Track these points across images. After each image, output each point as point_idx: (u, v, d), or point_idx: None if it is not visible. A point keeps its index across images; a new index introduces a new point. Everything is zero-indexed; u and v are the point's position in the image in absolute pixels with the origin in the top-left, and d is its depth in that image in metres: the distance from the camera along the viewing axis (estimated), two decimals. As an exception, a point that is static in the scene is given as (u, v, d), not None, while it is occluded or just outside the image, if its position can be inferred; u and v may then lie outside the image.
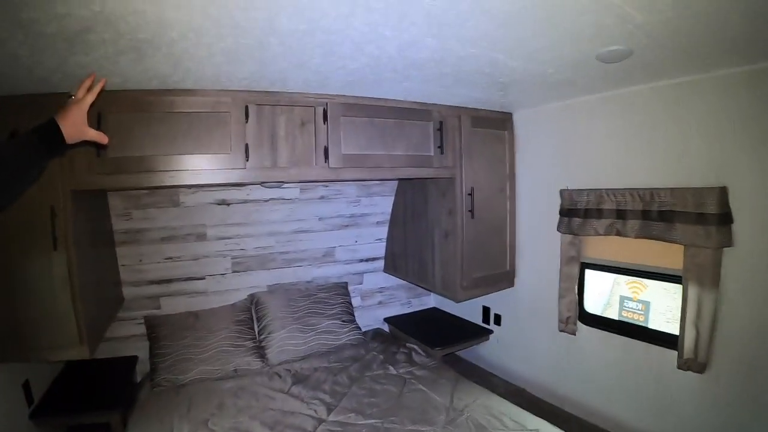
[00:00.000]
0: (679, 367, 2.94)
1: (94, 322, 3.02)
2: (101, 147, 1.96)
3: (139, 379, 3.93)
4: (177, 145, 2.86)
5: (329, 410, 3.21)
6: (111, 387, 3.49)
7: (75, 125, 1.62)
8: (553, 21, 1.93)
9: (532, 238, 4.07)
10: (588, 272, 3.65)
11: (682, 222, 2.83)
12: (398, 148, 3.46)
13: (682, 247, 2.88)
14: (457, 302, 4.03)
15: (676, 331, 2.98)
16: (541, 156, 3.92)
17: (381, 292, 5.15)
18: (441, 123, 3.60)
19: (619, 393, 3.39)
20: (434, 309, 5.38)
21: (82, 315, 2.81)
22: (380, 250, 5.06)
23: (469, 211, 3.78)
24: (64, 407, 3.22)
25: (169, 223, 4.03)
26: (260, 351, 4.01)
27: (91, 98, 1.70)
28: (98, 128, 2.50)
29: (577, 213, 3.46)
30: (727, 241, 2.68)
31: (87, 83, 1.72)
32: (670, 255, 3.00)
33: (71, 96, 1.68)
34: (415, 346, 4.23)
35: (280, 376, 3.70)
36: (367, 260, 5.02)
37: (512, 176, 4.13)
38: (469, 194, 3.77)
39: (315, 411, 3.20)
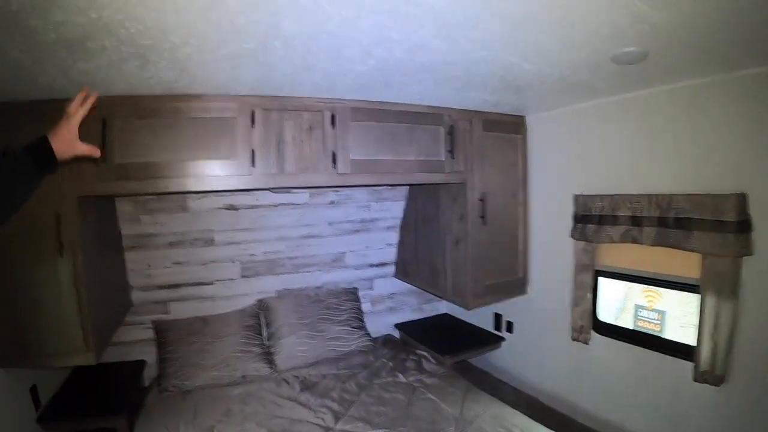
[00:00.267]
0: (695, 379, 2.87)
1: (100, 328, 3.02)
2: (96, 159, 1.90)
3: (146, 383, 3.92)
4: (183, 151, 2.84)
5: (337, 419, 3.17)
6: (118, 391, 3.47)
7: (66, 142, 1.64)
8: (567, 22, 1.88)
9: (545, 245, 4.00)
10: (602, 280, 3.58)
11: (700, 229, 2.75)
12: (408, 153, 3.41)
13: (700, 255, 2.80)
14: (468, 310, 3.98)
15: (692, 342, 2.91)
16: (554, 160, 3.85)
17: (391, 297, 5.10)
18: (452, 127, 3.55)
19: (633, 404, 3.32)
20: (446, 315, 5.32)
21: (89, 321, 2.82)
22: (391, 255, 5.01)
23: (481, 217, 3.73)
24: (71, 412, 3.21)
25: (178, 228, 4.02)
26: (268, 357, 3.98)
27: (82, 113, 1.70)
28: (103, 134, 2.53)
29: (592, 219, 3.39)
30: (746, 249, 2.61)
31: (80, 98, 1.71)
32: (687, 263, 2.93)
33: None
34: (426, 354, 4.18)
35: (288, 383, 3.67)
36: (377, 265, 4.97)
37: (525, 181, 4.07)
38: (480, 200, 3.71)
39: (322, 419, 3.16)
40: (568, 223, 3.62)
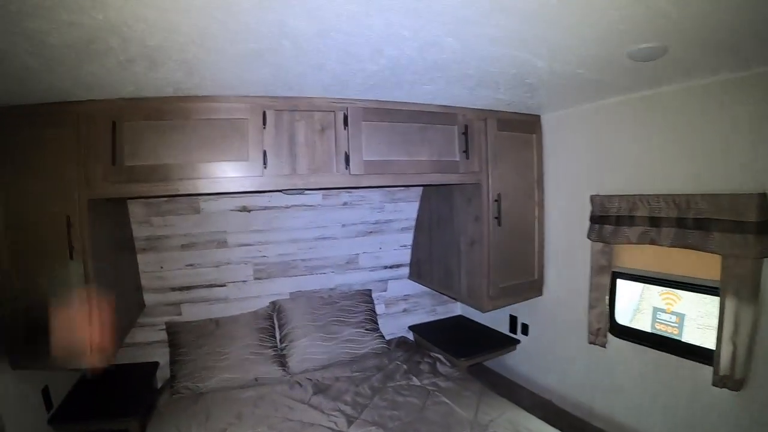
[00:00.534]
0: (714, 384, 2.80)
1: (112, 330, 3.00)
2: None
3: (159, 385, 3.92)
4: (193, 152, 2.83)
5: (350, 422, 3.14)
6: (130, 393, 3.48)
7: None
8: (582, 18, 1.84)
9: (562, 246, 3.95)
10: (619, 282, 3.52)
11: (720, 230, 2.69)
12: (421, 154, 3.37)
13: (720, 256, 2.73)
14: (484, 312, 3.93)
15: (711, 346, 2.85)
16: (570, 160, 3.80)
17: (405, 299, 5.07)
18: (466, 127, 3.51)
19: (650, 409, 3.26)
20: (460, 317, 5.28)
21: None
22: (405, 256, 4.99)
23: (496, 218, 3.68)
24: (83, 413, 3.23)
25: (190, 230, 4.03)
26: (281, 359, 3.97)
27: None
28: (113, 137, 2.55)
29: (609, 220, 3.33)
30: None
31: None
32: (706, 265, 2.86)
33: None
34: (440, 356, 4.16)
35: (301, 386, 3.65)
36: (391, 267, 4.95)
37: (540, 181, 4.02)
38: (495, 200, 3.67)
39: (335, 423, 3.14)
40: (585, 224, 3.55)
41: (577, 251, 3.69)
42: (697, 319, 3.14)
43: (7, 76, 2.18)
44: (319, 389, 3.60)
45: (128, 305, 3.61)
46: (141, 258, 3.93)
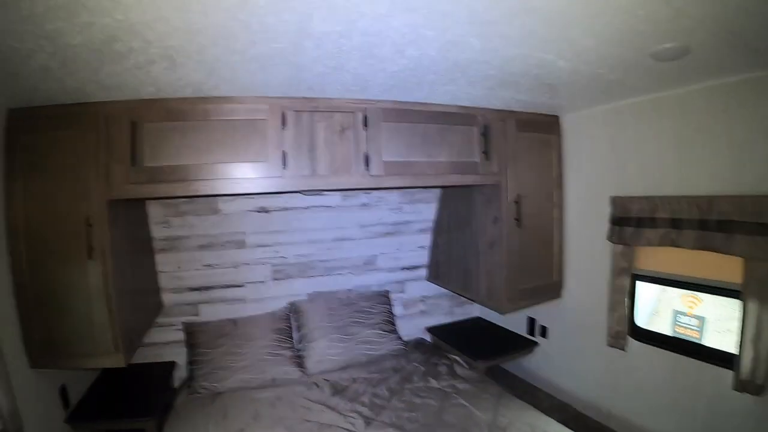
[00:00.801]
0: (734, 388, 2.77)
1: (130, 330, 3.04)
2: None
3: (176, 384, 3.93)
4: (213, 153, 2.84)
5: (367, 424, 3.14)
6: (148, 393, 3.49)
7: None
8: (605, 18, 1.83)
9: (581, 248, 3.92)
10: (640, 284, 3.48)
11: (742, 232, 2.66)
12: (441, 155, 3.36)
13: (742, 259, 2.70)
14: (503, 314, 3.92)
15: (733, 350, 2.82)
16: (590, 161, 3.77)
17: (423, 301, 5.05)
18: (486, 127, 3.49)
19: (670, 413, 3.23)
20: (478, 319, 5.25)
21: (118, 324, 2.83)
22: (423, 258, 4.96)
23: (516, 219, 3.66)
24: (101, 412, 3.23)
25: (208, 231, 4.05)
26: (299, 360, 3.97)
27: None
28: (132, 137, 2.57)
29: (629, 222, 3.31)
30: (791, 253, 2.51)
31: None
32: (728, 267, 2.82)
33: None
34: (458, 358, 4.14)
35: (318, 387, 3.65)
36: (409, 268, 4.93)
37: (560, 183, 3.99)
38: (515, 202, 3.65)
39: (353, 424, 3.14)
40: (605, 225, 3.53)
41: (597, 253, 3.66)
42: (719, 322, 3.11)
43: (27, 77, 2.20)
44: (337, 390, 3.60)
45: (146, 305, 3.63)
46: (159, 258, 3.94)
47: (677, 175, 3.09)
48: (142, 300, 3.52)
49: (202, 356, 3.76)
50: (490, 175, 3.57)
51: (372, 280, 4.75)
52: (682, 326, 3.30)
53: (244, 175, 2.89)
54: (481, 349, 4.29)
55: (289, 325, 4.22)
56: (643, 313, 3.50)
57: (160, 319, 3.95)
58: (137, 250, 3.50)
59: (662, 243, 3.11)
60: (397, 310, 4.80)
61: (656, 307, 3.48)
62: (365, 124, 3.13)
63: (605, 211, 3.52)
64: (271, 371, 3.75)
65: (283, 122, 2.94)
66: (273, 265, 4.31)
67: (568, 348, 4.10)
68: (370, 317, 4.35)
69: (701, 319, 3.21)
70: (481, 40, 2.06)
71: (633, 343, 3.47)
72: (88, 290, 2.76)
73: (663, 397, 3.26)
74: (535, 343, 4.42)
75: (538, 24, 1.88)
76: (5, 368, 2.29)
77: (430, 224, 4.88)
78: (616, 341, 3.51)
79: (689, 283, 3.17)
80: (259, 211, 4.17)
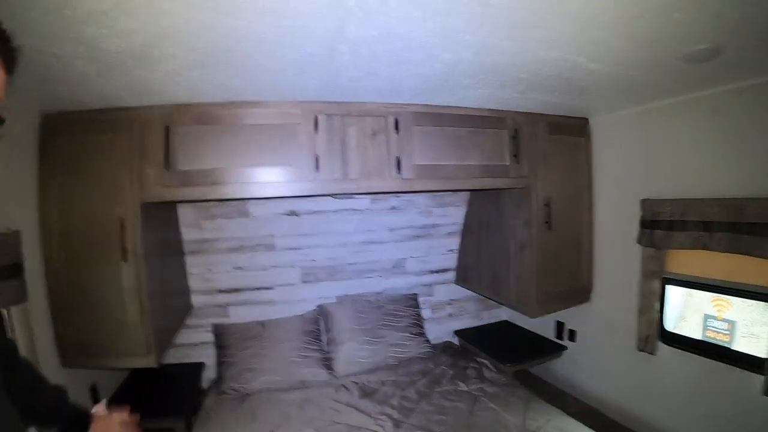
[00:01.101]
0: (765, 393, 2.72)
1: (161, 331, 3.09)
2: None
3: (205, 385, 3.97)
4: (246, 157, 2.87)
5: (396, 426, 3.15)
6: (177, 393, 3.53)
7: None
8: (639, 21, 1.83)
9: (611, 251, 3.89)
10: (670, 288, 3.44)
11: (774, 235, 2.63)
12: (471, 158, 3.35)
13: (774, 262, 2.68)
14: (532, 318, 3.91)
15: (763, 354, 2.79)
16: (620, 164, 3.74)
17: (451, 304, 5.03)
18: (516, 130, 3.48)
19: (699, 418, 3.18)
20: (506, 322, 5.22)
21: (150, 324, 2.88)
22: (451, 261, 4.95)
23: (546, 222, 3.65)
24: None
25: (239, 234, 4.09)
26: (327, 362, 4.00)
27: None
28: (166, 141, 2.62)
29: (660, 225, 3.27)
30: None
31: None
32: (760, 271, 2.80)
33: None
34: (486, 362, 4.13)
35: (346, 389, 3.67)
36: (437, 272, 4.91)
37: (590, 185, 3.96)
38: (545, 205, 3.63)
39: (382, 427, 3.15)
40: (634, 228, 3.50)
41: (627, 256, 3.62)
42: (749, 326, 3.08)
43: (63, 82, 2.25)
44: (366, 393, 3.61)
45: (176, 307, 3.68)
46: (189, 260, 3.99)
47: (708, 177, 3.06)
48: (173, 301, 3.56)
49: (231, 357, 3.80)
50: (521, 178, 3.56)
51: (401, 284, 4.75)
52: (712, 330, 3.26)
53: (277, 178, 2.91)
54: (510, 353, 4.28)
55: (318, 327, 4.24)
56: (670, 317, 3.47)
57: (190, 321, 3.99)
58: (168, 252, 3.54)
59: (693, 246, 3.07)
60: (425, 313, 4.79)
61: (683, 311, 3.44)
62: (396, 127, 3.14)
63: (635, 213, 3.49)
64: (300, 373, 3.78)
65: (316, 126, 2.96)
66: (302, 268, 4.34)
67: (596, 352, 4.06)
68: (399, 320, 4.36)
69: (731, 322, 3.18)
70: (515, 44, 2.06)
71: (663, 348, 3.43)
72: (121, 292, 2.81)
73: (692, 402, 3.23)
74: (564, 347, 4.38)
75: (572, 28, 1.88)
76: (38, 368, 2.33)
77: (458, 227, 4.86)
78: (645, 345, 3.47)
79: (720, 286, 3.13)
80: (289, 215, 4.20)
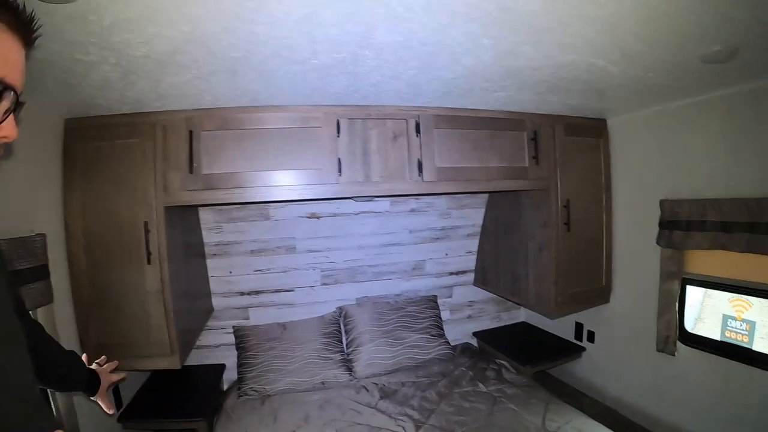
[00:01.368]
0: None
1: (184, 333, 3.13)
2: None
3: (225, 386, 4.02)
4: (268, 160, 2.91)
5: (417, 427, 3.16)
6: (198, 394, 3.58)
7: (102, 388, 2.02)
8: (657, 24, 1.85)
9: (630, 252, 3.88)
10: (689, 288, 3.43)
11: (792, 235, 2.62)
12: (491, 160, 3.36)
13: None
14: (552, 319, 3.92)
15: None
16: (637, 164, 3.73)
17: (470, 305, 5.04)
18: (535, 132, 3.49)
19: (718, 418, 3.18)
20: (524, 324, 5.22)
21: (174, 326, 2.91)
22: (470, 263, 4.96)
23: (565, 223, 3.65)
24: (152, 412, 3.32)
25: (260, 236, 4.13)
26: (348, 364, 4.02)
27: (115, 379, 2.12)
28: (190, 146, 2.70)
29: (679, 225, 3.27)
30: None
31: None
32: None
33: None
34: (505, 363, 4.14)
35: (367, 390, 3.69)
36: (456, 273, 4.92)
37: (608, 186, 3.96)
38: (564, 206, 3.64)
39: (403, 428, 3.16)
40: (653, 229, 3.50)
41: (646, 257, 3.62)
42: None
43: (86, 88, 2.28)
44: (386, 394, 3.63)
45: (198, 309, 3.71)
46: (210, 263, 4.03)
47: (726, 177, 3.05)
48: (194, 303, 3.60)
49: (252, 359, 3.82)
50: (540, 179, 3.57)
51: (420, 285, 4.76)
52: (731, 331, 3.24)
53: (300, 181, 2.95)
54: (529, 354, 4.28)
55: (338, 329, 4.26)
56: (689, 317, 3.46)
57: (211, 323, 4.04)
58: (190, 255, 3.58)
59: (712, 246, 3.07)
60: (444, 314, 4.79)
61: (700, 312, 3.43)
62: (417, 130, 3.16)
63: (653, 214, 3.49)
64: (320, 374, 3.80)
65: (338, 130, 2.99)
66: (322, 270, 4.37)
67: (615, 353, 4.06)
68: (419, 322, 4.37)
69: (751, 323, 3.17)
70: (535, 48, 2.09)
71: (682, 348, 3.43)
72: (145, 294, 2.86)
73: (712, 403, 3.22)
74: (583, 349, 4.37)
75: (592, 31, 1.91)
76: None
77: (477, 229, 4.87)
78: (665, 346, 3.47)
79: (739, 286, 3.13)
80: (309, 217, 4.23)
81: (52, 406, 2.50)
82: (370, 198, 4.06)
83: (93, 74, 2.09)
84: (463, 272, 4.94)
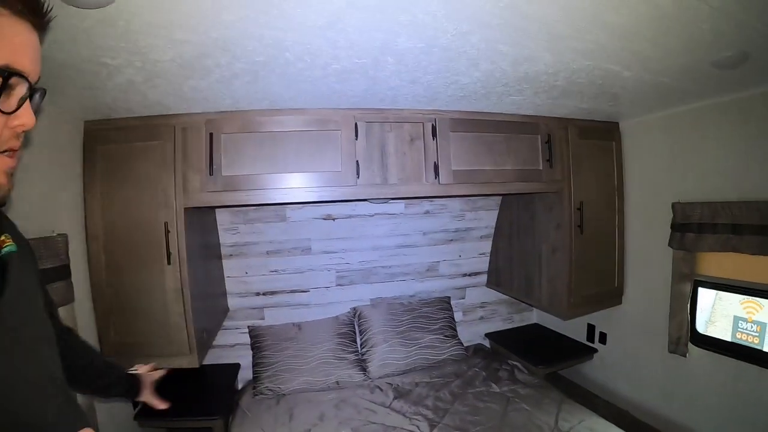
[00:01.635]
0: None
1: (202, 332, 3.16)
2: None
3: (240, 386, 4.06)
4: (287, 162, 2.94)
5: (431, 426, 3.18)
6: (213, 393, 3.61)
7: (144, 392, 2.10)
8: (670, 30, 1.89)
9: (642, 254, 3.90)
10: (701, 290, 3.45)
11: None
12: (506, 163, 3.39)
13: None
14: (565, 320, 3.94)
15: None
16: (650, 167, 3.75)
17: (483, 307, 5.06)
18: (549, 136, 3.52)
19: (730, 420, 3.19)
20: (536, 325, 5.23)
21: (193, 326, 2.96)
22: (483, 264, 4.98)
23: (578, 226, 3.67)
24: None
25: (276, 237, 4.16)
26: (362, 364, 4.04)
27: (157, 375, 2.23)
28: (210, 148, 2.74)
29: (691, 228, 3.29)
30: None
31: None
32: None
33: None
34: (518, 364, 4.16)
35: (381, 390, 3.72)
36: (470, 275, 4.94)
37: (620, 189, 3.98)
38: (578, 208, 3.66)
39: (417, 427, 3.19)
40: (666, 231, 3.51)
41: (658, 259, 3.64)
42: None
43: (112, 90, 2.33)
44: (400, 394, 3.66)
45: (215, 309, 3.75)
46: (227, 264, 4.08)
47: (737, 179, 3.08)
48: (211, 303, 3.64)
49: (267, 359, 3.85)
50: (554, 182, 3.59)
51: (433, 287, 4.78)
52: (743, 332, 3.26)
53: (318, 183, 2.98)
54: (541, 356, 4.30)
55: (353, 329, 4.28)
56: (700, 319, 3.48)
57: (226, 322, 4.07)
58: (207, 255, 3.61)
59: (723, 249, 3.09)
60: (457, 316, 4.80)
61: (711, 314, 3.45)
62: (434, 133, 3.19)
63: (665, 216, 3.51)
64: (335, 374, 3.83)
65: (356, 133, 3.03)
66: (337, 271, 4.40)
67: (627, 354, 4.07)
68: (432, 323, 4.39)
69: (762, 325, 3.19)
70: (552, 54, 2.13)
71: (694, 350, 3.45)
72: (164, 293, 2.90)
73: (723, 404, 3.23)
74: (594, 350, 4.39)
75: (608, 38, 1.95)
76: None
77: (491, 231, 4.89)
78: (677, 347, 3.49)
79: (750, 288, 3.15)
80: (325, 219, 4.27)
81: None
82: (386, 200, 4.09)
83: (117, 77, 2.13)
84: (476, 274, 4.96)
